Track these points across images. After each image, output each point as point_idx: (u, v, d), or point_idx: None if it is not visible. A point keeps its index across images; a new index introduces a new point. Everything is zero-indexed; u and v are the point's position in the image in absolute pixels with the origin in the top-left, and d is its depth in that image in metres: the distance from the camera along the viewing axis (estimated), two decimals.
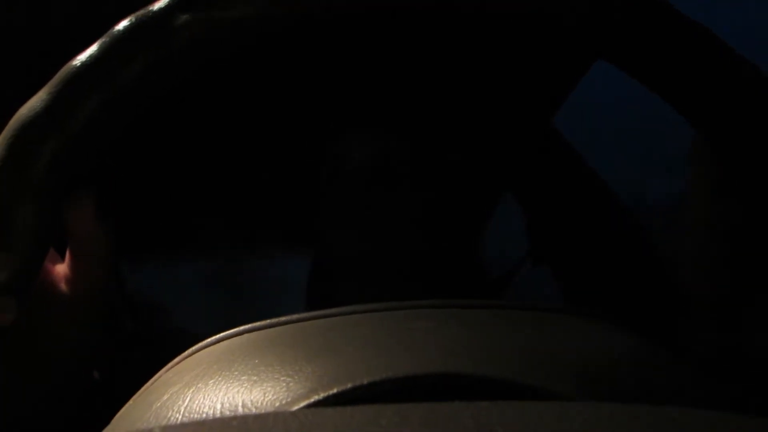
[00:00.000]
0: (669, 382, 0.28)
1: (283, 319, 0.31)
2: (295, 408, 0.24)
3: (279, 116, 0.69)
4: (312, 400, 0.24)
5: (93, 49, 0.32)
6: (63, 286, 0.41)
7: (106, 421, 0.30)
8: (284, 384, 0.25)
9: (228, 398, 0.26)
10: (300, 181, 0.68)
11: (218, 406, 0.26)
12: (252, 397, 0.25)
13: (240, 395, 0.26)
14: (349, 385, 0.24)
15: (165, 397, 0.28)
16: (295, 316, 0.31)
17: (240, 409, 0.25)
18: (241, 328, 0.31)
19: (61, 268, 0.42)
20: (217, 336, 0.31)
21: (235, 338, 0.30)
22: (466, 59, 0.64)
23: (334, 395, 0.24)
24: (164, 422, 0.26)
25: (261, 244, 0.91)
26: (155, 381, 0.31)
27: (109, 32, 0.32)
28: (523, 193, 0.79)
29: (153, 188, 0.76)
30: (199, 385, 0.27)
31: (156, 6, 0.32)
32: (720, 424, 0.21)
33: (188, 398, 0.27)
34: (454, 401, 0.21)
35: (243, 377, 0.27)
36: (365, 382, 0.24)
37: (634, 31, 0.32)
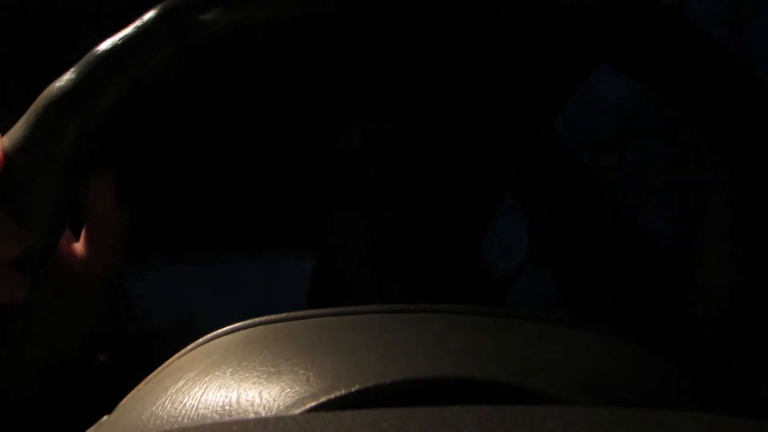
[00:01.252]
0: (667, 388, 0.28)
1: (300, 313, 0.31)
2: (303, 409, 0.24)
3: (282, 117, 0.69)
4: (323, 400, 0.24)
5: (122, 34, 0.32)
6: (76, 266, 0.41)
7: (106, 409, 0.30)
8: (302, 379, 0.25)
9: (244, 390, 0.26)
10: (302, 183, 0.68)
11: (234, 397, 0.26)
12: (268, 391, 0.25)
13: (256, 388, 0.26)
14: (353, 389, 0.24)
15: (180, 383, 0.27)
16: (310, 312, 0.31)
17: (257, 401, 0.25)
18: (257, 319, 0.31)
19: (76, 248, 0.42)
20: (232, 326, 0.31)
21: (251, 329, 0.30)
22: (469, 61, 0.64)
23: (341, 397, 0.24)
24: (179, 407, 0.26)
25: (262, 246, 0.91)
26: (167, 366, 0.30)
27: (138, 20, 0.33)
28: (525, 196, 0.79)
29: (154, 189, 0.76)
30: (217, 372, 0.27)
31: None
32: (723, 428, 0.21)
33: (205, 386, 0.27)
34: (457, 405, 0.21)
35: (261, 368, 0.26)
36: (368, 386, 0.24)
37: (639, 36, 0.32)
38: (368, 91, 0.65)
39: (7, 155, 0.32)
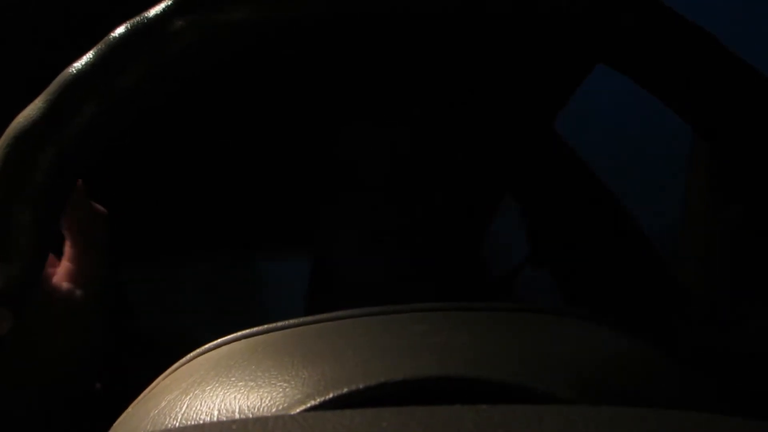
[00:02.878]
0: (666, 385, 0.28)
1: (280, 324, 0.31)
2: (302, 408, 0.24)
3: (280, 118, 0.69)
4: (309, 404, 0.24)
5: (89, 55, 0.32)
6: (63, 286, 0.41)
7: (105, 428, 0.30)
8: (281, 389, 0.25)
9: (225, 404, 0.26)
10: (301, 185, 0.68)
11: (215, 413, 0.26)
12: (249, 403, 0.25)
13: (237, 401, 0.26)
14: (349, 389, 0.24)
15: (162, 405, 0.28)
16: (292, 321, 0.30)
17: (237, 415, 0.25)
18: (238, 333, 0.31)
19: (61, 267, 0.42)
20: (215, 342, 0.31)
21: (232, 344, 0.30)
22: (469, 60, 0.64)
23: (333, 399, 0.24)
24: (161, 429, 0.26)
25: (262, 248, 0.91)
26: (153, 388, 0.31)
27: (105, 39, 0.32)
28: (525, 195, 0.79)
29: (154, 192, 0.76)
30: (197, 391, 0.27)
31: (152, 12, 0.32)
32: (723, 427, 0.21)
33: (185, 405, 0.27)
34: (455, 404, 0.21)
35: (240, 383, 0.27)
36: (365, 385, 0.24)
37: (638, 35, 0.32)
38: (367, 91, 0.65)
39: (20, 132, 0.31)
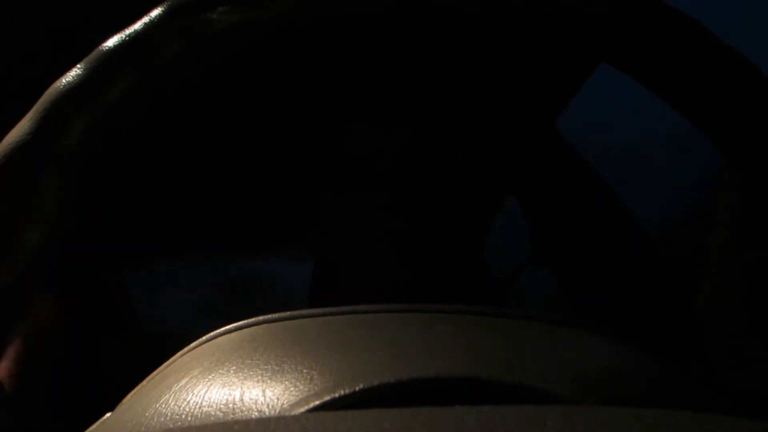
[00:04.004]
0: (668, 390, 0.28)
1: (304, 312, 0.31)
2: (305, 408, 0.24)
3: (281, 117, 0.69)
4: (324, 399, 0.24)
5: (132, 29, 0.32)
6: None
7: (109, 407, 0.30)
8: (308, 378, 0.25)
9: (247, 389, 0.26)
10: (302, 184, 0.68)
11: (237, 395, 0.26)
12: (273, 391, 0.25)
13: (260, 386, 0.26)
14: (356, 388, 0.24)
15: (184, 381, 0.28)
16: (316, 311, 0.31)
17: (260, 400, 0.25)
18: (261, 318, 0.31)
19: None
20: (236, 324, 0.31)
21: (254, 327, 0.30)
22: (472, 58, 0.64)
23: (343, 397, 0.24)
24: (183, 404, 0.26)
25: (263, 246, 0.91)
26: (172, 363, 0.31)
27: (148, 14, 0.33)
28: (527, 196, 0.79)
29: (155, 190, 0.76)
30: (221, 371, 0.27)
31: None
32: (724, 428, 0.21)
33: (209, 384, 0.27)
34: (458, 405, 0.21)
35: (266, 366, 0.27)
36: (372, 385, 0.24)
37: (645, 35, 0.32)
38: (369, 91, 0.65)
39: (12, 150, 0.32)
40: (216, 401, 0.26)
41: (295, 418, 0.20)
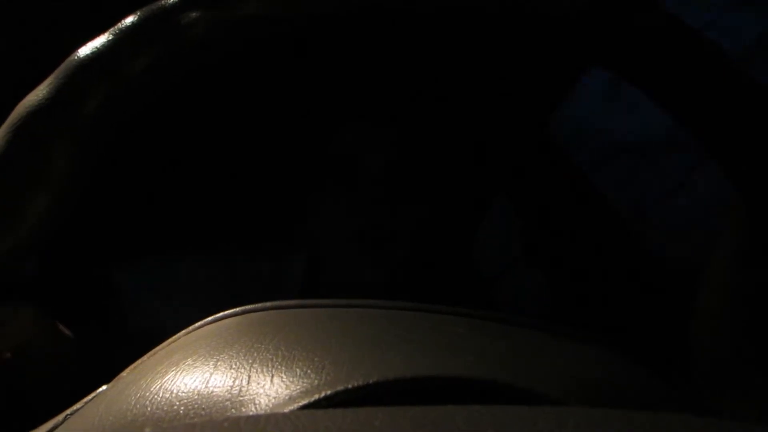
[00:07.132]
0: (656, 395, 0.29)
1: (311, 301, 0.31)
2: (300, 404, 0.24)
3: (275, 117, 0.69)
4: (308, 400, 0.24)
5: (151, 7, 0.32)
6: None
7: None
8: (318, 368, 0.25)
9: (255, 373, 0.26)
10: (294, 183, 0.68)
11: (245, 379, 0.25)
12: (281, 378, 0.25)
13: (268, 372, 0.25)
14: (347, 387, 0.24)
15: (192, 359, 0.27)
16: (324, 301, 0.31)
17: (267, 386, 0.25)
18: (269, 303, 0.31)
19: None
20: (243, 308, 0.31)
21: (263, 312, 0.30)
22: (465, 59, 0.64)
23: (339, 393, 0.24)
24: (190, 381, 0.26)
25: (257, 247, 0.91)
26: (176, 340, 0.31)
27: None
28: (516, 196, 0.79)
29: (152, 189, 0.75)
30: (230, 352, 0.27)
31: None
32: (712, 430, 0.21)
33: (217, 364, 0.27)
34: (449, 405, 0.21)
35: (276, 352, 0.27)
36: (367, 382, 0.24)
37: (635, 39, 0.32)
38: (361, 91, 0.65)
39: (28, 112, 0.31)
40: (223, 383, 0.26)
41: (285, 416, 0.20)
